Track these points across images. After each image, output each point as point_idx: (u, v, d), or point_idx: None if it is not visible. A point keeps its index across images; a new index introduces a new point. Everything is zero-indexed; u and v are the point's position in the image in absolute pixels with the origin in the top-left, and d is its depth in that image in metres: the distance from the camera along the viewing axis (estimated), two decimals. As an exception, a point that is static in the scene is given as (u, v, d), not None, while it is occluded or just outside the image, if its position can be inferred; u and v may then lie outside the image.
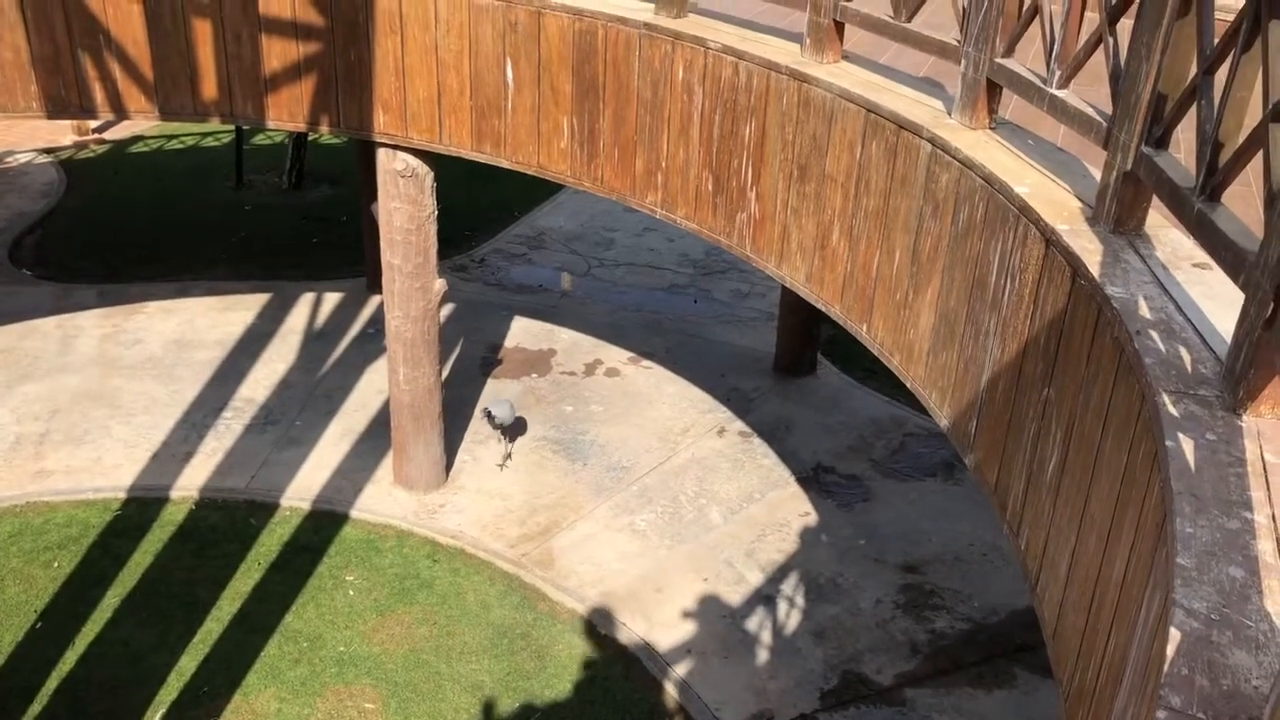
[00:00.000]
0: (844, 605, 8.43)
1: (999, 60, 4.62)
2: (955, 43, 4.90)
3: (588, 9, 6.69)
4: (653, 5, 6.48)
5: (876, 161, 5.22)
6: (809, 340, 11.22)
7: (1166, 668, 2.01)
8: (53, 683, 7.35)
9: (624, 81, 6.66)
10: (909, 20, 5.27)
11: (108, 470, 9.32)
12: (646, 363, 11.41)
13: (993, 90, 4.76)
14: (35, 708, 7.16)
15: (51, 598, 8.01)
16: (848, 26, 5.69)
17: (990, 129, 4.83)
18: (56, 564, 8.31)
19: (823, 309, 5.82)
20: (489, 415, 9.46)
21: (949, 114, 5.00)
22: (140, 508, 8.94)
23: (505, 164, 7.59)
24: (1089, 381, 3.55)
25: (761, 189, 6.00)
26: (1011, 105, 5.15)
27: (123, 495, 9.05)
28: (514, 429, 9.85)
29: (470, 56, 7.32)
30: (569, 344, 11.68)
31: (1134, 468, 3.04)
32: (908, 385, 5.27)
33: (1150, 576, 2.64)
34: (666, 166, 6.63)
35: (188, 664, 7.56)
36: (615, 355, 11.52)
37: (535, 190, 14.72)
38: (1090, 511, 3.42)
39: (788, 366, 11.28)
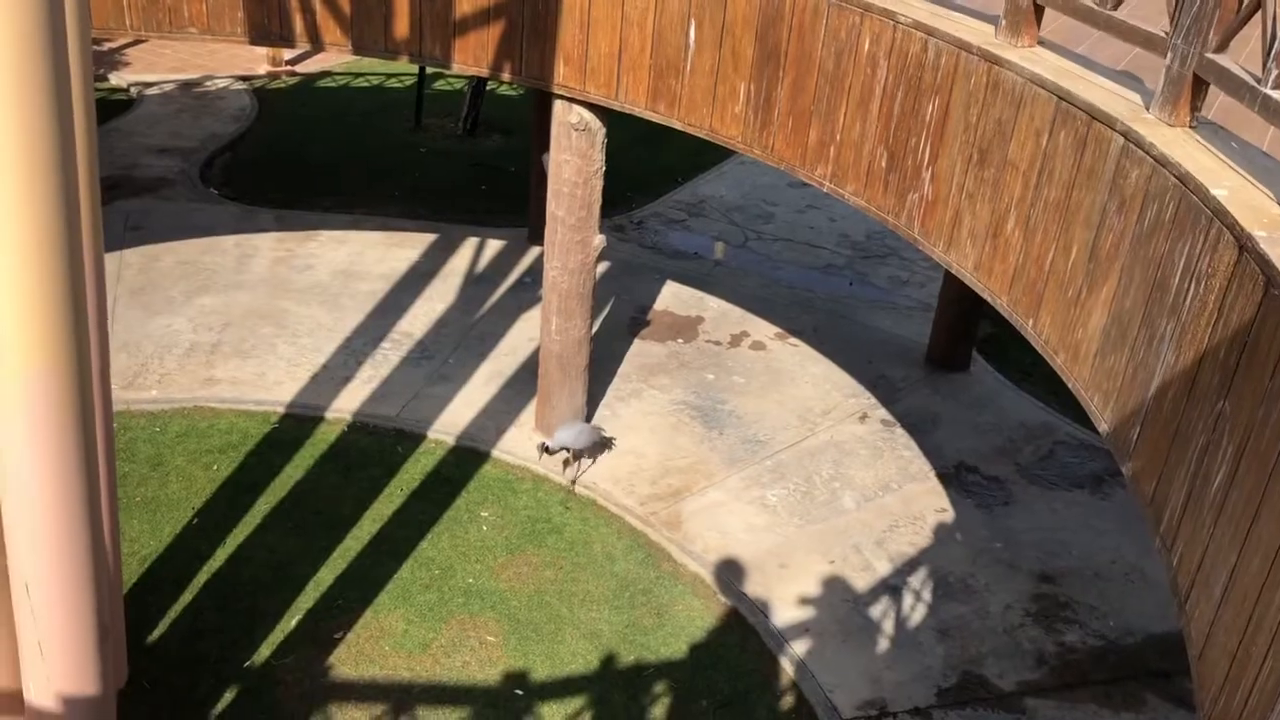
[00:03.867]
0: (972, 606, 8.25)
1: (1209, 55, 4.40)
2: (1162, 34, 4.67)
3: (778, -26, 6.63)
4: (845, -25, 6.38)
5: (1063, 151, 5.04)
6: (966, 335, 10.93)
7: (1332, 691, 1.92)
8: (202, 577, 7.80)
9: (807, 50, 6.58)
10: (1115, 8, 5.05)
11: (270, 385, 9.79)
12: (794, 340, 11.32)
13: (1198, 86, 4.54)
14: (186, 596, 7.62)
15: (208, 498, 8.49)
16: (1048, 11, 5.50)
17: (1190, 127, 4.61)
18: (216, 467, 8.79)
19: (988, 299, 5.67)
20: (545, 448, 8.78)
21: (1147, 108, 4.79)
22: (296, 424, 9.37)
23: (677, 125, 7.61)
24: (1272, 396, 3.38)
25: (937, 170, 5.87)
26: (1216, 104, 4.89)
27: (281, 410, 9.50)
28: (591, 452, 9.07)
29: (655, 14, 7.35)
30: (717, 313, 11.68)
31: (1313, 489, 2.88)
32: (1069, 386, 5.10)
33: (1320, 601, 2.51)
34: (840, 140, 6.54)
35: (325, 576, 7.91)
36: (763, 329, 11.47)
37: (700, 157, 14.71)
38: (1258, 531, 3.26)
39: (941, 359, 11.03)
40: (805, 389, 10.57)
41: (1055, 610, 8.27)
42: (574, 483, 8.96)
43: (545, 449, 8.83)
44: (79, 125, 4.88)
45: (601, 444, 9.16)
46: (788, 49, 6.70)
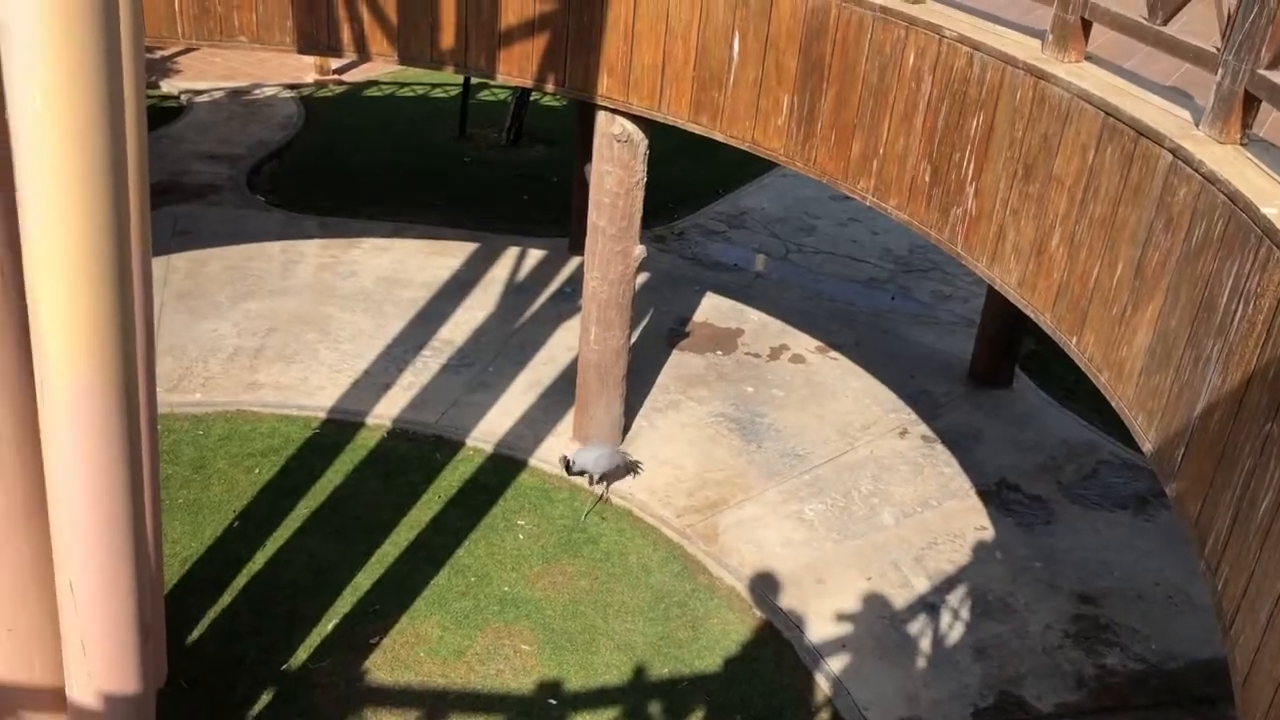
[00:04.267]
0: (1011, 625, 8.15)
1: (1261, 71, 4.34)
2: (1213, 50, 4.62)
3: (823, -13, 6.62)
4: (890, -12, 6.36)
5: (1109, 168, 4.98)
6: (1009, 351, 10.83)
7: (1380, 722, 1.87)
8: (241, 579, 7.88)
9: (851, 63, 6.56)
10: (1164, 23, 4.99)
11: (312, 390, 9.89)
12: (834, 354, 11.27)
13: (1250, 103, 4.48)
14: (225, 598, 7.70)
15: (249, 501, 8.57)
16: (1095, 26, 5.44)
17: (1241, 144, 4.54)
18: (257, 470, 8.88)
19: (1032, 316, 5.62)
20: (567, 463, 8.82)
21: (1196, 125, 4.73)
22: (337, 429, 9.45)
23: (719, 137, 7.61)
24: (1321, 419, 3.31)
25: (981, 185, 5.82)
26: (1268, 121, 4.82)
27: (323, 415, 9.59)
28: (611, 476, 8.99)
29: (699, 27, 7.36)
30: (757, 325, 11.65)
31: (1363, 515, 2.82)
32: (1113, 404, 5.03)
33: (1369, 630, 2.46)
34: (883, 154, 6.51)
35: (363, 581, 7.96)
36: (803, 342, 11.42)
37: (741, 170, 14.70)
38: (1304, 557, 3.20)
39: (983, 376, 10.93)
40: (845, 403, 10.51)
41: (1096, 632, 8.15)
42: (599, 501, 8.93)
43: (568, 466, 8.83)
44: (130, 131, 4.97)
45: (626, 468, 9.08)
46: (831, 62, 6.69)
